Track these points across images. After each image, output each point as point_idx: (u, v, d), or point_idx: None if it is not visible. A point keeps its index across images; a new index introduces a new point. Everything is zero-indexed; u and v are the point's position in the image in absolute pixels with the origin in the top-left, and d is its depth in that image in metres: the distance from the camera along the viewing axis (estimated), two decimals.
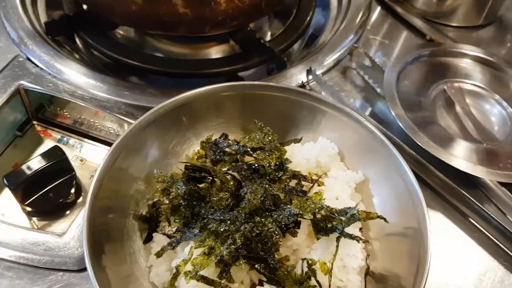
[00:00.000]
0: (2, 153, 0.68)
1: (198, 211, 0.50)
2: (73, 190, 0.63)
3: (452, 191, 0.65)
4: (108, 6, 0.70)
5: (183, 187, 0.50)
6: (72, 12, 0.82)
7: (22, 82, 0.68)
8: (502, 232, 0.62)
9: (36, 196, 0.61)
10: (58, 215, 0.64)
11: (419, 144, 0.64)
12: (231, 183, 0.51)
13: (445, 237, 0.63)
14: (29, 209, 0.62)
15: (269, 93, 0.61)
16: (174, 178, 0.51)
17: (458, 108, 0.71)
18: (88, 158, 0.69)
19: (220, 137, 0.60)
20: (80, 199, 0.65)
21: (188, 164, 0.54)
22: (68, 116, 0.71)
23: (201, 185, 0.52)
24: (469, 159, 0.65)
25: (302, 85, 0.74)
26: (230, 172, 0.53)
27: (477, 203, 0.63)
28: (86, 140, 0.71)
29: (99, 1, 0.70)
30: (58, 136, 0.71)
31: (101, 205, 0.49)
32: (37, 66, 0.71)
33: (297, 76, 0.76)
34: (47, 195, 0.62)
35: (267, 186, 0.50)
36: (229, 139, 0.60)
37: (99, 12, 0.75)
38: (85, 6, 0.83)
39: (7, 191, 0.65)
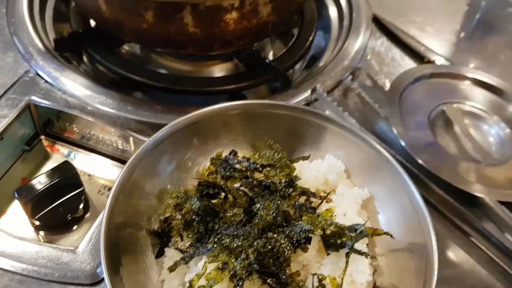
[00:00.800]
0: (10, 168, 0.69)
1: (211, 226, 0.51)
2: (81, 205, 0.64)
3: (452, 209, 0.67)
4: (119, 24, 0.72)
5: (197, 202, 0.51)
6: (80, 28, 0.84)
7: (32, 97, 0.69)
8: (501, 249, 0.64)
9: (46, 210, 0.62)
10: (66, 230, 0.65)
11: (421, 162, 0.66)
12: (244, 199, 0.53)
13: (445, 253, 0.64)
14: (37, 223, 0.63)
15: (278, 111, 0.63)
16: (188, 194, 0.53)
17: (456, 129, 0.73)
18: (96, 173, 0.70)
19: (229, 154, 0.61)
20: (88, 214, 0.66)
21: (202, 180, 0.55)
22: (76, 131, 0.72)
23: (214, 201, 0.53)
24: (468, 178, 0.67)
25: (307, 104, 0.76)
26: (242, 188, 0.54)
27: (476, 220, 0.65)
28: (93, 155, 0.72)
29: (110, 19, 0.71)
30: (66, 151, 0.72)
31: (116, 219, 0.50)
32: (47, 81, 0.72)
33: (300, 95, 0.77)
34: (57, 209, 0.63)
35: (278, 202, 0.52)
36: (238, 156, 0.61)
37: (108, 29, 0.76)
38: (93, 23, 0.85)
39: (13, 206, 0.66)
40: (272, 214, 0.50)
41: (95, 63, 0.83)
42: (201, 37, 0.72)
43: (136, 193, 0.54)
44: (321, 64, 0.89)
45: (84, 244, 0.56)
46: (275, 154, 0.59)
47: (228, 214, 0.51)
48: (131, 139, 0.69)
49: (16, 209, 0.65)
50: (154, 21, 0.68)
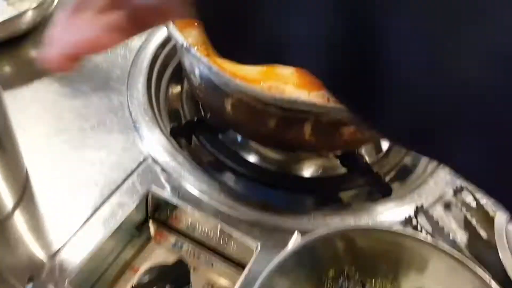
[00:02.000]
0: (120, 254, 0.71)
1: None
2: None
3: None
4: (238, 123, 0.75)
5: None
6: (191, 113, 0.89)
7: (151, 186, 0.72)
8: None
9: None
10: None
11: None
12: None
13: None
14: None
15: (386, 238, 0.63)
16: None
17: None
18: (200, 267, 0.72)
19: (340, 275, 0.62)
20: None
21: None
22: (186, 223, 0.73)
23: None
24: None
25: (409, 219, 0.76)
26: None
27: None
28: (200, 247, 0.73)
29: (231, 119, 0.74)
30: (173, 239, 0.74)
31: None
32: (164, 170, 0.75)
33: (400, 207, 0.77)
34: None
35: None
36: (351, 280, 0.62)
37: (226, 125, 0.80)
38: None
39: None
40: None
41: (202, 148, 0.86)
42: (314, 144, 0.74)
43: None
44: (413, 178, 0.88)
45: None
46: (392, 283, 0.60)
47: None
48: (232, 239, 0.71)
49: None
50: (275, 127, 0.71)
